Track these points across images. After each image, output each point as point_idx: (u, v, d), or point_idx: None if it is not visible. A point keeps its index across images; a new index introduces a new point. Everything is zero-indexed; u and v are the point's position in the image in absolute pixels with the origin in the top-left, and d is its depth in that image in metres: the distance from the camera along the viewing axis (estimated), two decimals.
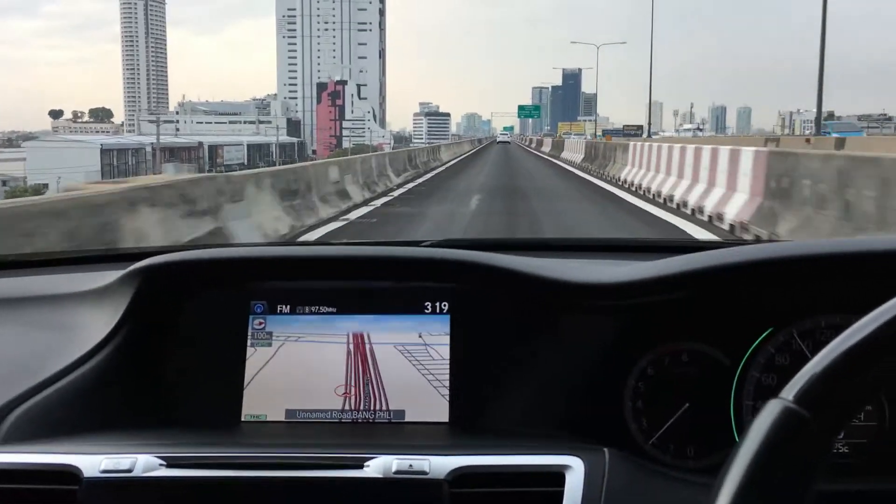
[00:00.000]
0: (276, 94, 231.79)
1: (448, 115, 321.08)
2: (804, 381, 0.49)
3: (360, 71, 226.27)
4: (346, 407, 1.10)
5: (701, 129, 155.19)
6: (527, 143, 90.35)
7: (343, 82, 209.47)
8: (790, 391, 0.49)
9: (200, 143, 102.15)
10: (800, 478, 0.47)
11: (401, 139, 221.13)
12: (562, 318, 1.10)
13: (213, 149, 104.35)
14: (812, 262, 1.05)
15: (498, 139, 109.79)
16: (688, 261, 1.09)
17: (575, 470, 0.90)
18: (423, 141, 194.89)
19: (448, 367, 1.09)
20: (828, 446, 0.48)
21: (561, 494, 0.87)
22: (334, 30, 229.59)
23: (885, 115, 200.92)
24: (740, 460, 0.48)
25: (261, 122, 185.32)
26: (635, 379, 1.06)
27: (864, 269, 1.02)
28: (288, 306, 1.14)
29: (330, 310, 1.14)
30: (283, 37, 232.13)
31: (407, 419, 1.09)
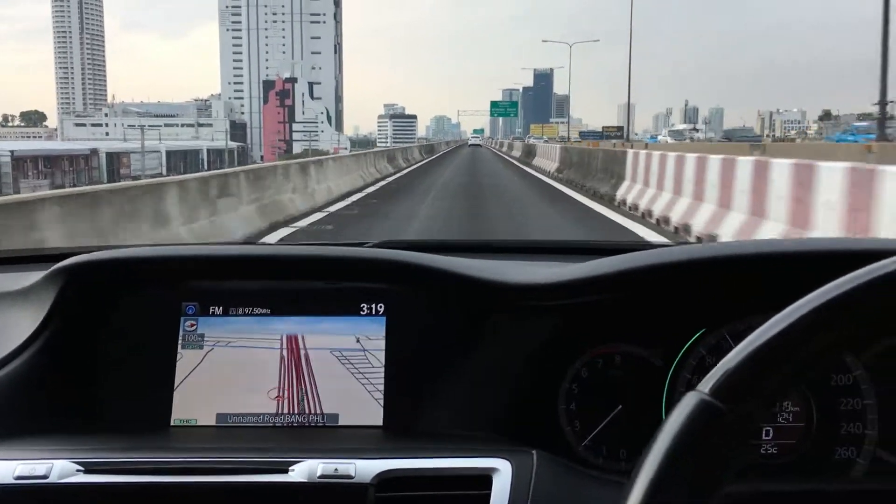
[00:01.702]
0: (219, 94, 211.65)
1: (414, 117, 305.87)
2: (719, 374, 0.50)
3: (314, 68, 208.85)
4: (279, 411, 1.10)
5: (697, 130, 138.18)
6: (497, 147, 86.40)
7: (293, 80, 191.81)
8: (706, 384, 0.50)
9: (94, 151, 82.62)
10: (714, 469, 0.48)
11: (366, 143, 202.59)
12: (495, 319, 1.10)
13: (114, 157, 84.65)
14: (742, 262, 1.06)
15: (469, 142, 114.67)
16: (619, 261, 1.10)
17: (502, 473, 0.91)
18: (387, 144, 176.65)
19: (383, 370, 1.10)
20: (742, 438, 0.49)
21: (488, 497, 0.89)
22: (284, 21, 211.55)
23: (890, 114, 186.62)
24: (655, 451, 0.49)
25: (200, 125, 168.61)
26: (569, 381, 1.08)
27: (794, 270, 1.03)
28: (220, 307, 1.13)
29: (264, 311, 1.13)
30: (227, 30, 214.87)
31: (341, 423, 1.09)
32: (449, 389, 1.09)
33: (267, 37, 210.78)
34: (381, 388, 1.09)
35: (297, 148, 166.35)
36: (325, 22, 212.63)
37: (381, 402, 1.09)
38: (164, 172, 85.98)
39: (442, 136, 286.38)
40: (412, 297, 1.12)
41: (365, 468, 0.91)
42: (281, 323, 1.12)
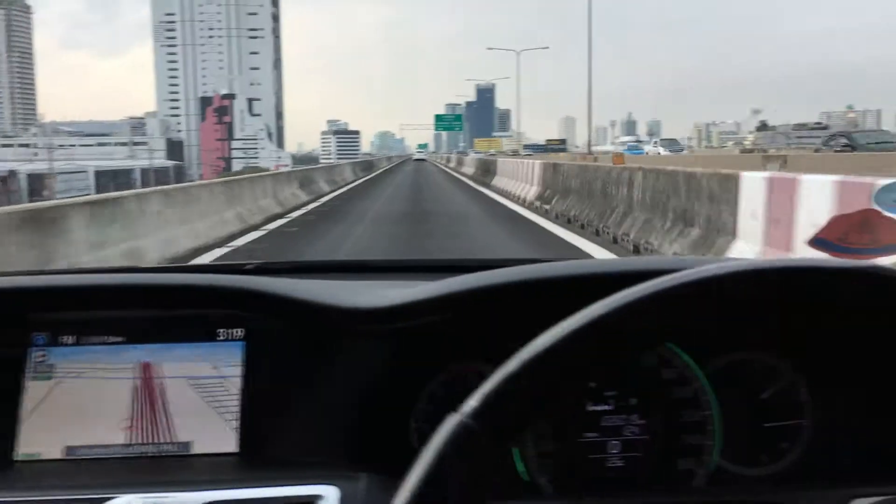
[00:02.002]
0: (155, 112, 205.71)
1: (358, 132, 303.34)
2: (477, 395, 0.52)
3: (252, 84, 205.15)
4: (131, 441, 1.08)
5: (655, 143, 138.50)
6: (444, 163, 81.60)
7: (231, 96, 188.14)
8: (466, 406, 0.52)
9: (12, 172, 78.32)
10: (468, 487, 0.50)
11: (308, 160, 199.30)
12: (340, 343, 1.10)
13: (36, 178, 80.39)
14: (564, 283, 1.07)
15: (414, 157, 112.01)
16: (458, 282, 1.10)
17: (327, 500, 0.90)
18: (331, 160, 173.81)
19: (239, 396, 1.09)
20: (497, 457, 0.51)
21: None
22: (220, 37, 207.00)
23: (821, 124, 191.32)
24: (416, 470, 0.50)
25: (135, 144, 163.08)
26: (424, 401, 1.08)
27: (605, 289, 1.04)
28: (73, 336, 1.11)
29: (118, 339, 1.11)
30: (162, 45, 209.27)
31: (194, 451, 1.07)
32: (303, 415, 1.08)
33: (203, 52, 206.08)
34: (238, 414, 1.08)
35: (237, 165, 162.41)
36: (263, 37, 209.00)
37: (237, 428, 1.07)
38: (94, 193, 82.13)
39: (386, 152, 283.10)
40: (269, 323, 1.11)
41: (184, 501, 0.91)
42: (135, 351, 1.10)
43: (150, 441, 1.07)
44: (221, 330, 1.11)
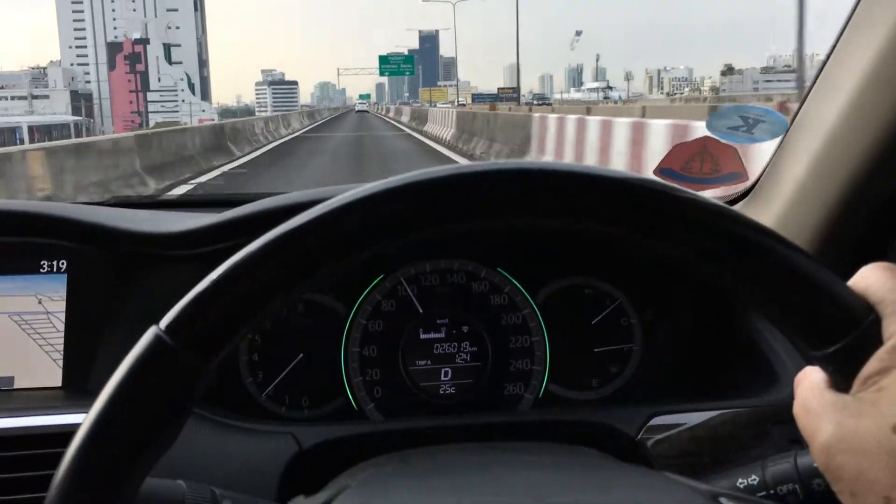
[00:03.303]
0: (60, 61, 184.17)
1: (295, 83, 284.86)
2: (175, 308, 0.50)
3: (170, 27, 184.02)
4: None
5: (611, 88, 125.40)
6: (384, 114, 75.98)
7: (144, 41, 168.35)
8: (164, 318, 0.50)
9: None
10: (161, 405, 0.49)
11: (246, 112, 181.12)
12: (146, 270, 1.10)
13: None
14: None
15: (356, 108, 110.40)
16: (248, 208, 1.10)
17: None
18: (267, 113, 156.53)
19: (63, 329, 1.08)
20: (195, 375, 0.49)
21: None
22: None
23: (790, 66, 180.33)
24: (107, 386, 0.48)
25: (35, 97, 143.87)
26: (251, 332, 1.08)
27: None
28: None
29: None
30: None
31: (17, 385, 1.06)
32: (121, 343, 1.06)
33: None
34: (61, 347, 1.07)
35: (154, 120, 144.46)
36: None
37: (60, 362, 1.07)
38: None
39: (327, 103, 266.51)
40: (90, 254, 1.10)
41: None
42: None
43: None
44: (44, 262, 1.09)
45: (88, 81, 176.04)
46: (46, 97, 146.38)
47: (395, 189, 0.49)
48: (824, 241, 0.99)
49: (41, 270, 1.09)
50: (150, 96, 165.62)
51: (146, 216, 1.17)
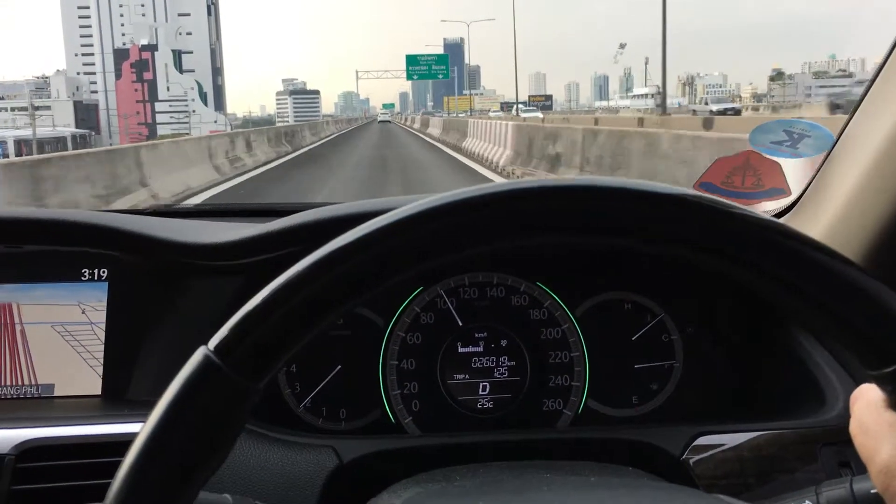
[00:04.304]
0: (65, 70, 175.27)
1: (317, 92, 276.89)
2: (223, 328, 0.50)
3: (181, 33, 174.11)
4: None
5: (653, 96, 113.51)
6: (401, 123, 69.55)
7: (152, 47, 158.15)
8: (213, 339, 0.50)
9: None
10: (211, 424, 0.49)
11: (264, 124, 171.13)
12: (191, 280, 1.10)
13: None
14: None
15: (378, 118, 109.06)
16: (297, 218, 1.09)
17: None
18: (287, 123, 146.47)
19: (103, 338, 1.08)
20: (244, 394, 0.49)
21: None
22: None
23: (845, 71, 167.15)
24: (158, 405, 0.49)
25: (36, 109, 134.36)
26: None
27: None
28: None
29: None
30: None
31: (57, 393, 1.07)
32: (162, 353, 1.08)
33: None
34: (101, 356, 1.08)
35: (164, 132, 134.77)
36: None
37: (100, 370, 1.07)
38: None
39: (350, 113, 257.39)
40: (129, 261, 1.10)
41: (6, 437, 0.90)
42: None
43: (12, 383, 1.07)
44: (86, 270, 1.09)
45: (95, 91, 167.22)
46: (48, 108, 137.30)
47: (455, 203, 0.48)
48: (873, 257, 0.97)
49: (83, 278, 1.09)
50: (158, 106, 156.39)
51: (187, 226, 1.17)
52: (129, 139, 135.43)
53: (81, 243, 1.10)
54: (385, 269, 0.48)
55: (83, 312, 1.08)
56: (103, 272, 1.10)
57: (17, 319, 1.07)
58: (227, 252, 1.08)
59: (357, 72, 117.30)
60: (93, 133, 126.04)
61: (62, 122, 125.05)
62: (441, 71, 79.31)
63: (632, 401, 1.12)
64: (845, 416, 0.50)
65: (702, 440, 0.94)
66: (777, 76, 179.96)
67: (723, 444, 0.93)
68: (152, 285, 1.10)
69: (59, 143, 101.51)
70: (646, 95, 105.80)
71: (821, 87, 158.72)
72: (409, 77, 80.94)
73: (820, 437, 0.91)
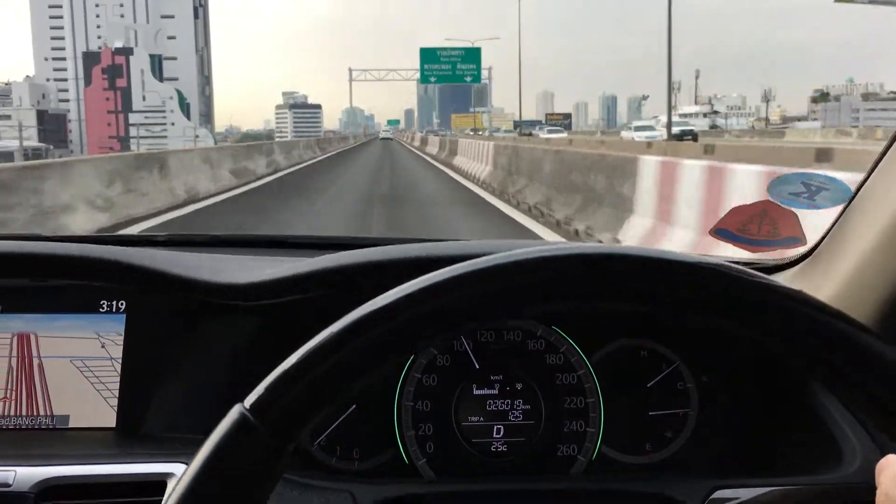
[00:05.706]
0: (32, 76, 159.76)
1: (319, 106, 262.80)
2: (259, 387, 0.50)
3: (162, 35, 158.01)
4: (5, 412, 1.08)
5: (716, 113, 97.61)
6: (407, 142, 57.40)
7: (126, 51, 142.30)
8: (249, 398, 0.50)
9: None
10: (246, 482, 0.49)
11: (262, 138, 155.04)
12: (210, 318, 1.12)
13: None
14: (421, 264, 1.06)
15: (381, 135, 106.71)
16: (325, 260, 1.11)
17: (178, 477, 0.93)
18: (286, 138, 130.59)
19: (119, 371, 1.10)
20: (279, 453, 0.50)
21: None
22: None
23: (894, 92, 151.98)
24: (195, 462, 0.49)
25: None
26: None
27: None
28: None
29: None
30: None
31: (71, 425, 1.08)
32: (178, 389, 1.09)
33: None
34: (116, 389, 1.09)
35: (137, 147, 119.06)
36: None
37: (115, 403, 1.08)
38: None
39: (354, 129, 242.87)
40: (147, 296, 1.12)
41: (26, 476, 0.91)
42: (12, 320, 1.10)
43: (27, 413, 1.08)
44: (104, 302, 1.11)
45: (67, 100, 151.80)
46: (8, 117, 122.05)
47: (496, 267, 0.49)
48: (887, 316, 0.97)
49: (101, 310, 1.11)
50: (132, 118, 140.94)
51: (206, 261, 1.18)
52: (99, 154, 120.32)
53: (100, 278, 1.11)
54: (420, 338, 0.50)
55: (102, 346, 1.10)
56: (121, 304, 1.11)
57: (35, 352, 1.09)
58: (245, 293, 1.10)
59: (350, 70, 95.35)
60: (50, 147, 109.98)
61: (25, 134, 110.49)
62: (470, 72, 56.83)
63: (645, 448, 1.13)
64: (863, 473, 0.50)
65: (718, 493, 0.94)
66: (821, 97, 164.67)
67: (738, 498, 0.93)
68: (169, 320, 1.12)
69: (6, 158, 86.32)
70: (697, 115, 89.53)
71: (869, 109, 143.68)
72: (423, 80, 59.31)
73: (837, 495, 0.91)
